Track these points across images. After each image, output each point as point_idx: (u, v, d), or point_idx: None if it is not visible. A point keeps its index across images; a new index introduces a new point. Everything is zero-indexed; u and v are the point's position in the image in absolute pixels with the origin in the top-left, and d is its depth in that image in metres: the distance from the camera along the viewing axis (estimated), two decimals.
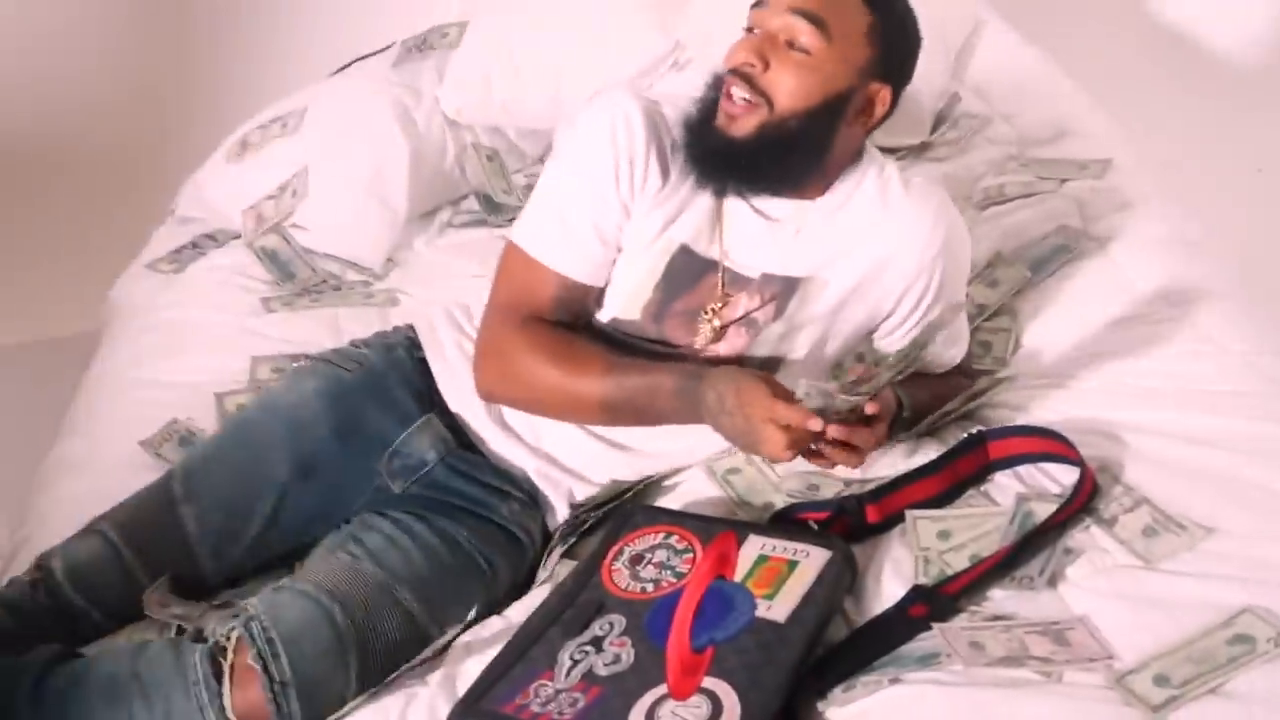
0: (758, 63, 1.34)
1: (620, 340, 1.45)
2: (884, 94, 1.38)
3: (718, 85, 1.38)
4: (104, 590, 1.38)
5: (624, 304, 1.44)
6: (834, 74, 1.34)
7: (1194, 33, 2.92)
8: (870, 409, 1.31)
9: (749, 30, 1.38)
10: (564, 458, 1.48)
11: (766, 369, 1.45)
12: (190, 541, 1.40)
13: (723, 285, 1.42)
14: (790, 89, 1.34)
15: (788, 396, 1.29)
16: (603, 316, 1.45)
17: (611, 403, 1.38)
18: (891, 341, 1.50)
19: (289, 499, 1.43)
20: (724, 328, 1.43)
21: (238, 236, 2.09)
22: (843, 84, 1.35)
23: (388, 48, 2.33)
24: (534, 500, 1.48)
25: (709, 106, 1.39)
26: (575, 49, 2.14)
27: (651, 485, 1.51)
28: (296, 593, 1.30)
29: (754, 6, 1.38)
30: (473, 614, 1.36)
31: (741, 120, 1.35)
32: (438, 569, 1.37)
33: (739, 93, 1.35)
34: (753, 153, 1.36)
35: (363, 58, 2.35)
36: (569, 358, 1.39)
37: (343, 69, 2.34)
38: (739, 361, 1.44)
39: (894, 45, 1.37)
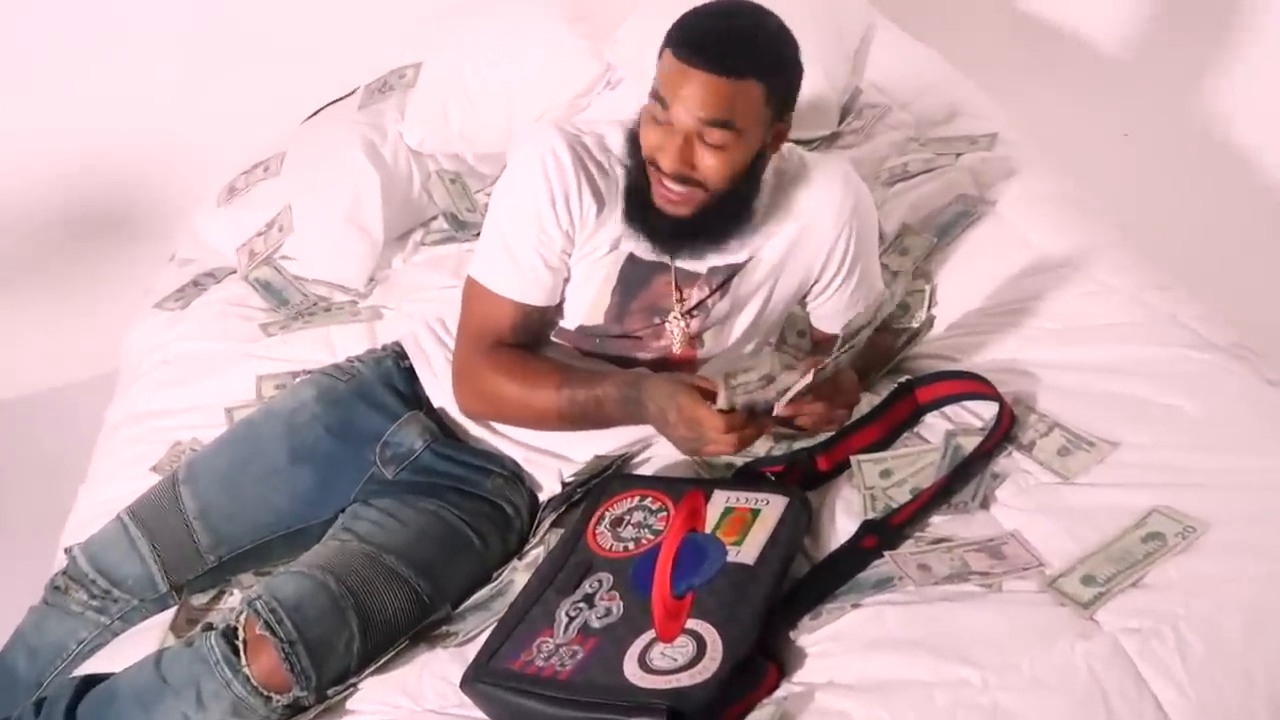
0: (684, 167, 1.29)
1: (590, 341, 1.43)
2: (784, 125, 1.35)
3: (641, 162, 1.33)
4: (114, 562, 1.40)
5: (588, 311, 1.42)
6: (748, 145, 1.30)
7: (1055, 20, 2.95)
8: (786, 411, 1.27)
9: (659, 120, 1.29)
10: (545, 443, 1.46)
11: (718, 339, 1.44)
12: (187, 515, 1.41)
13: (677, 286, 1.40)
14: (717, 172, 1.29)
15: (713, 399, 1.26)
16: (569, 324, 1.43)
17: (566, 414, 1.38)
18: (822, 303, 1.49)
19: (284, 480, 1.42)
20: (689, 323, 1.41)
21: (234, 272, 2.06)
22: (756, 146, 1.32)
23: (352, 93, 2.31)
24: (518, 477, 1.46)
25: (642, 183, 1.33)
26: (520, 78, 2.11)
27: (628, 459, 1.48)
28: (291, 573, 1.29)
29: (657, 99, 1.29)
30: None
31: (681, 205, 1.32)
32: (424, 538, 1.35)
33: (674, 186, 1.30)
34: (698, 227, 1.34)
35: (330, 104, 2.32)
36: (527, 378, 1.38)
37: (313, 115, 2.32)
38: (697, 339, 1.43)
39: (785, 91, 1.33)
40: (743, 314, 1.44)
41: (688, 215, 1.33)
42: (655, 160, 1.31)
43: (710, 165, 1.29)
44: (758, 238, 1.41)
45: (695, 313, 1.42)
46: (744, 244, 1.40)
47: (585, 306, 1.42)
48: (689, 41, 1.27)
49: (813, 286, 1.47)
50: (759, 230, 1.41)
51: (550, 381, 1.37)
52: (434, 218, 2.12)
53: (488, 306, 1.41)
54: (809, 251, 1.43)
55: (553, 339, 1.45)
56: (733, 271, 1.41)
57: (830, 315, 1.51)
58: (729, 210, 1.35)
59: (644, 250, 1.39)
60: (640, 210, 1.35)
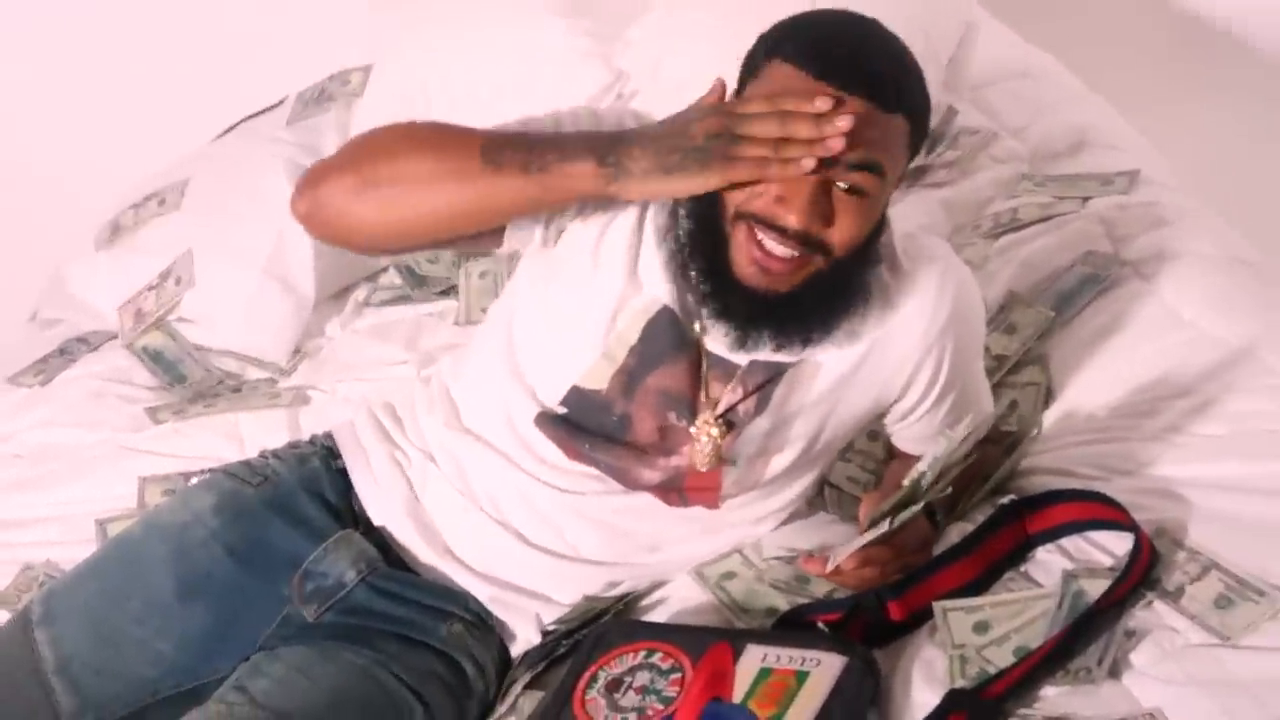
0: (817, 224, 1.29)
1: (579, 441, 1.43)
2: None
3: (712, 210, 1.31)
4: None
5: (591, 368, 1.42)
6: (884, 198, 1.35)
7: (1225, 17, 2.95)
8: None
9: None
10: (521, 579, 1.48)
11: (748, 477, 1.46)
12: (43, 670, 1.41)
13: (707, 377, 1.42)
14: (850, 233, 1.31)
15: None
16: (561, 383, 1.43)
17: (492, 150, 1.30)
18: (903, 428, 1.51)
19: (172, 624, 1.43)
20: (722, 436, 1.42)
21: (114, 337, 2.10)
22: (887, 199, 1.37)
23: (279, 103, 2.36)
24: (484, 622, 1.47)
25: (710, 239, 1.33)
26: (502, 87, 2.15)
27: (632, 602, 1.50)
28: None
29: None
30: None
31: (784, 276, 1.31)
32: (342, 704, 1.36)
33: (781, 248, 1.29)
34: (798, 304, 1.34)
35: (250, 117, 2.37)
36: (437, 129, 1.36)
37: (227, 131, 2.37)
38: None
39: (922, 133, 1.38)
40: (788, 440, 1.45)
41: (791, 290, 1.32)
42: (763, 213, 1.29)
43: (844, 227, 1.30)
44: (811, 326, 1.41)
45: (729, 421, 1.43)
46: (808, 339, 1.40)
47: (591, 359, 1.42)
48: (828, 57, 1.28)
49: (891, 407, 1.49)
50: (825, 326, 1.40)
51: (469, 131, 1.34)
52: (383, 270, 2.17)
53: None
54: (886, 368, 1.44)
55: (526, 430, 1.45)
56: (775, 372, 1.42)
57: (914, 439, 1.53)
58: (840, 286, 1.35)
59: (675, 304, 1.40)
60: (715, 283, 1.34)
